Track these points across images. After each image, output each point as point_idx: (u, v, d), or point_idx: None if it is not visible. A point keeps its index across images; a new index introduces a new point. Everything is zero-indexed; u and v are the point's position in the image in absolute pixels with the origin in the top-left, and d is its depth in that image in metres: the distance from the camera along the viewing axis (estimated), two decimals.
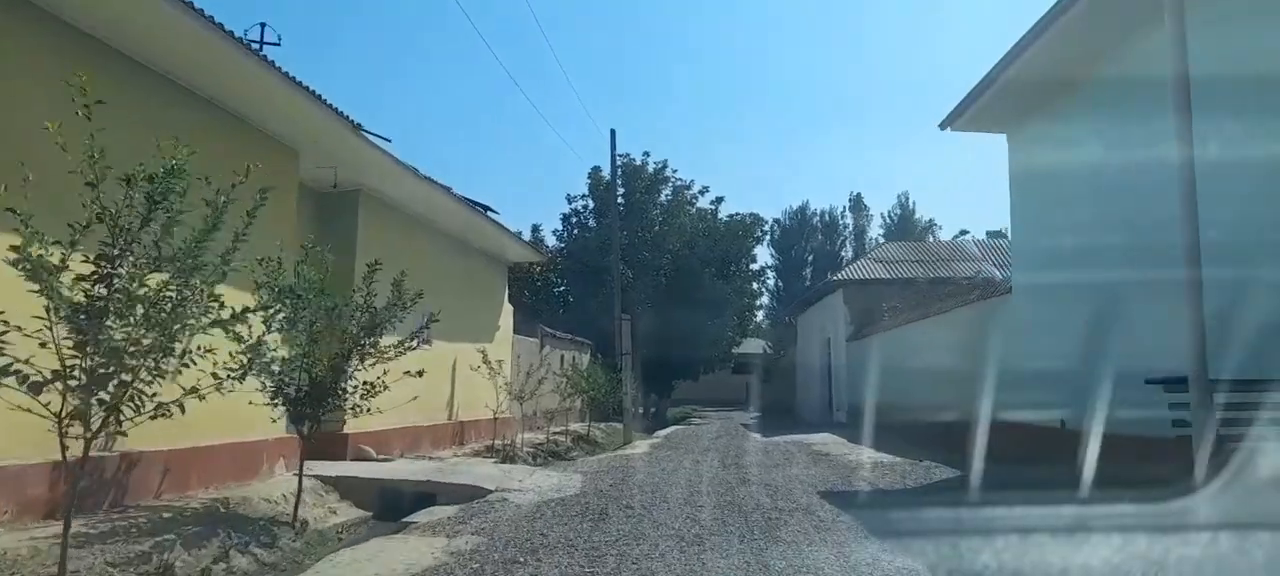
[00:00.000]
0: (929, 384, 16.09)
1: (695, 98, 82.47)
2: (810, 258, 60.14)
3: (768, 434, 21.34)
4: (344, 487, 9.20)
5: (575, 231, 34.05)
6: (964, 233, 32.48)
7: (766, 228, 36.99)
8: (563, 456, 16.47)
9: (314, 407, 7.51)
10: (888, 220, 56.83)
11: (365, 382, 7.86)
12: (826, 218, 60.92)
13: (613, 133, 23.96)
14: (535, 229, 34.49)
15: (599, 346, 27.35)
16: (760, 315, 51.70)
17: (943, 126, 12.39)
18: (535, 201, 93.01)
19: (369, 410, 7.83)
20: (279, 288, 6.73)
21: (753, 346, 54.25)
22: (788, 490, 9.08)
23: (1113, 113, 9.91)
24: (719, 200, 34.41)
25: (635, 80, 79.31)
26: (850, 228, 61.21)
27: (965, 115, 12.00)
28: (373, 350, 7.89)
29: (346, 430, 11.46)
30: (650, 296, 31.60)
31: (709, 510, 7.71)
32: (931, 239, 45.15)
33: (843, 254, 57.92)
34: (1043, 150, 11.73)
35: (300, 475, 7.74)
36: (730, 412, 40.95)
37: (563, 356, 24.17)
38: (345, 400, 7.69)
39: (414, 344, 8.01)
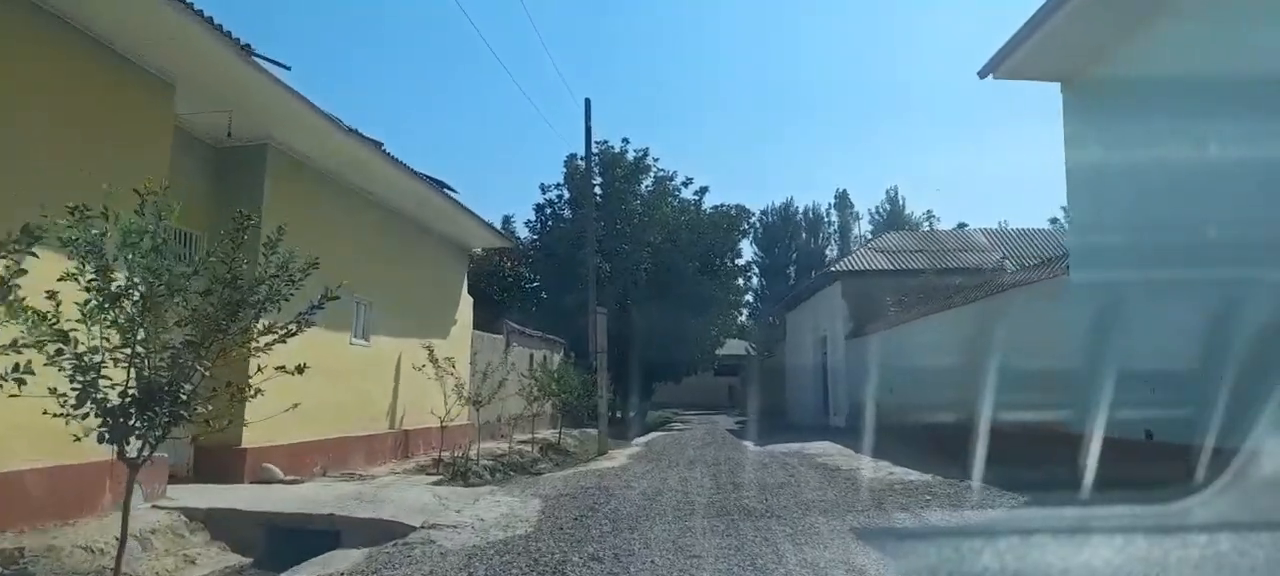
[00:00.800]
0: (949, 385, 13.98)
1: (677, 91, 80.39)
2: (794, 256, 58.25)
3: (760, 441, 19.18)
4: (218, 524, 6.90)
5: (549, 223, 31.68)
6: (962, 226, 30.47)
7: (753, 221, 34.75)
8: (527, 470, 14.21)
9: (145, 419, 5.20)
10: (877, 215, 54.88)
11: (229, 384, 5.58)
12: (811, 215, 58.95)
13: (587, 103, 21.75)
14: (506, 220, 32.13)
15: (573, 346, 25.06)
16: (743, 315, 49.60)
17: (982, 75, 10.26)
18: (508, 194, 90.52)
19: (228, 423, 5.54)
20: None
21: (735, 348, 52.22)
22: (808, 526, 6.89)
23: (1214, 57, 7.81)
24: (703, 190, 32.26)
25: (616, 75, 77.06)
26: (835, 226, 59.29)
27: (1011, 59, 9.89)
28: (239, 338, 5.60)
29: (245, 444, 9.15)
30: (629, 292, 29.38)
31: (711, 563, 5.49)
32: (927, 228, 42.98)
33: (828, 252, 56.06)
34: (1115, 99, 9.63)
35: (125, 512, 5.42)
36: (713, 416, 38.76)
37: (532, 356, 21.91)
38: (191, 408, 5.37)
39: (295, 329, 5.71)
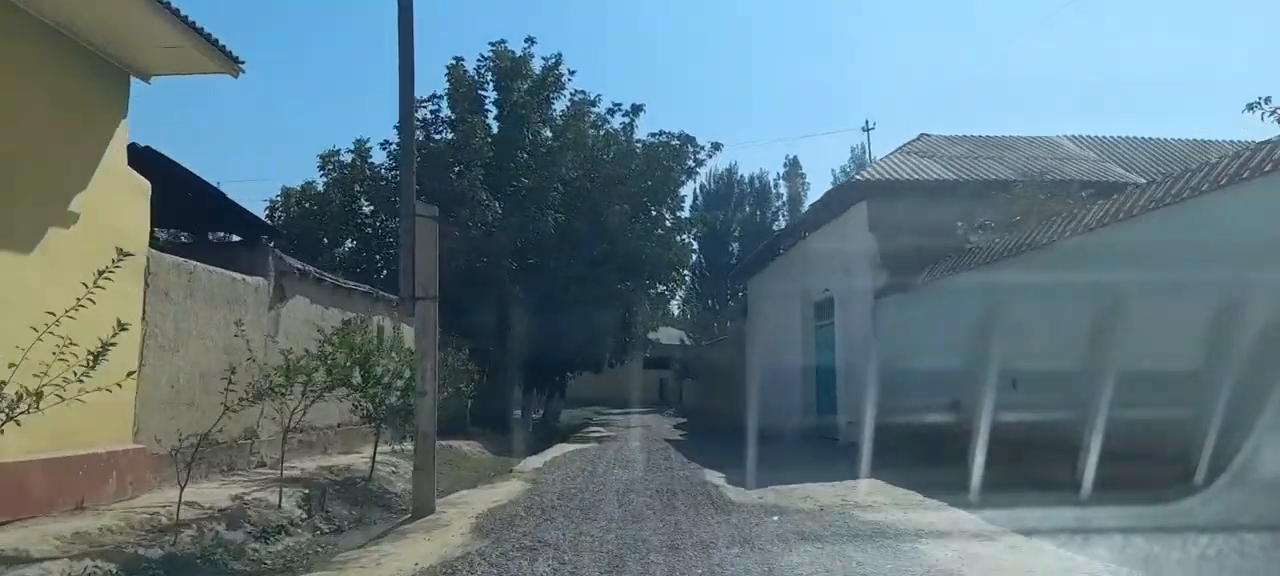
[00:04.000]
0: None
1: (610, 37, 71.63)
2: (737, 231, 51.12)
3: (740, 475, 10.57)
4: None
5: (421, 150, 22.22)
6: None
7: (701, 155, 25.87)
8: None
9: None
10: (841, 177, 47.63)
11: None
12: (758, 183, 51.84)
13: None
14: (361, 143, 22.55)
15: (457, 324, 15.67)
16: (680, 294, 41.34)
17: None
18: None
19: None
20: None
21: (668, 336, 44.65)
22: None
23: None
24: (636, 111, 23.54)
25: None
26: (785, 197, 52.26)
27: None
28: None
29: None
30: (532, 246, 20.58)
31: None
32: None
33: (776, 226, 48.81)
34: None
35: None
36: (644, 417, 30.41)
37: (350, 323, 12.89)
38: None
39: None
